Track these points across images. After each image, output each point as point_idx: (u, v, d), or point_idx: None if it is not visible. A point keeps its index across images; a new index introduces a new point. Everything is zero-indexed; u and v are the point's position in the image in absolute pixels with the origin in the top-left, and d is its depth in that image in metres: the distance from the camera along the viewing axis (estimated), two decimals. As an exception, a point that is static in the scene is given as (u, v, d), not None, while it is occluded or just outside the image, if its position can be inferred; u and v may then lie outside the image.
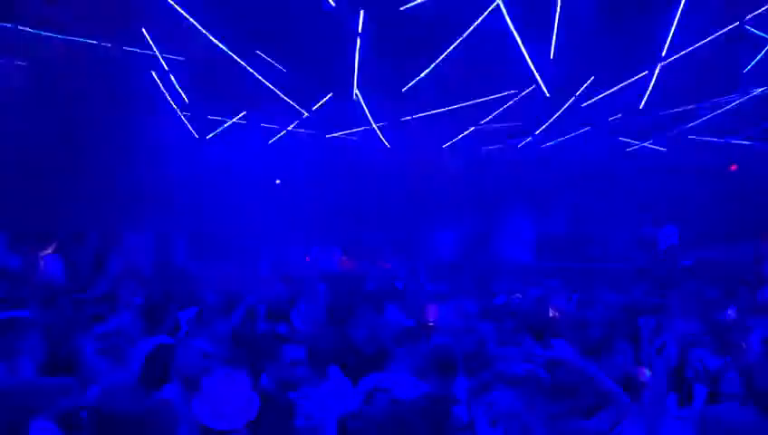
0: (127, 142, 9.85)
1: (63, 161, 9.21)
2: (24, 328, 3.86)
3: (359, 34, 9.01)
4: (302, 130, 12.24)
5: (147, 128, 10.08)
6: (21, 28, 8.12)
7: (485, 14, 9.02)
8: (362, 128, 12.13)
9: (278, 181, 12.98)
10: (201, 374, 3.39)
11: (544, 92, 10.05)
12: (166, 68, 9.39)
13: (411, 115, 11.47)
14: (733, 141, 11.78)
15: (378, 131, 11.95)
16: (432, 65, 9.63)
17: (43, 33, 8.32)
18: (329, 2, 8.26)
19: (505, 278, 9.48)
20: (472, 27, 9.06)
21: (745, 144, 11.93)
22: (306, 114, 11.29)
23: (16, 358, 3.67)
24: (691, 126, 11.39)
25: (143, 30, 8.67)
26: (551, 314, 6.42)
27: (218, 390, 2.96)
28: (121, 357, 3.93)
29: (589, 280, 8.85)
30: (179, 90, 9.95)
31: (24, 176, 8.90)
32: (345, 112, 11.41)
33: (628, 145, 12.35)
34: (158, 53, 9.02)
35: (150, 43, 8.82)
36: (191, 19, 8.17)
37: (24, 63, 9.05)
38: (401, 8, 8.50)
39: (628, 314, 5.82)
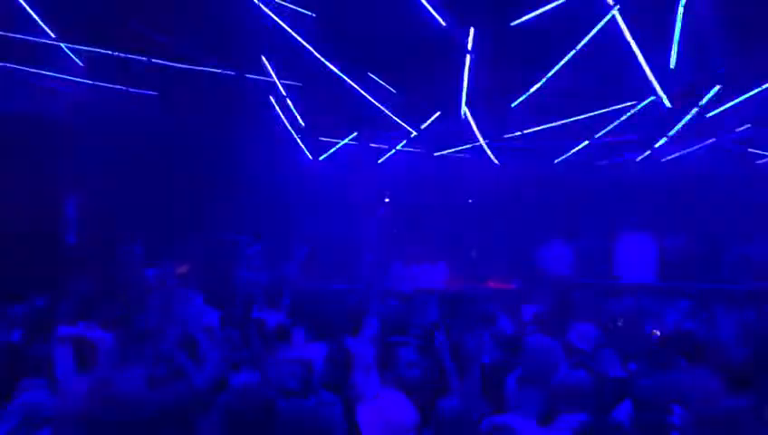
0: (247, 164, 10.41)
1: (190, 181, 9.86)
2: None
3: (468, 52, 9.01)
4: (411, 149, 12.37)
5: (266, 150, 10.61)
6: (155, 61, 8.79)
7: (600, 25, 8.75)
8: (471, 145, 12.08)
9: (387, 200, 13.17)
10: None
11: (665, 103, 9.57)
12: (283, 93, 9.84)
13: (522, 130, 11.29)
14: None
15: (486, 148, 11.85)
16: (544, 78, 9.44)
17: (173, 64, 8.97)
18: (439, 21, 8.34)
19: (625, 299, 9.04)
20: (586, 39, 8.81)
21: None
22: (415, 133, 11.40)
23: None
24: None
25: (263, 58, 9.14)
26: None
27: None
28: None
29: (716, 301, 8.25)
30: (296, 113, 10.39)
31: (155, 194, 9.62)
32: (453, 130, 11.42)
33: (759, 157, 11.50)
34: (276, 80, 9.47)
35: (270, 70, 9.27)
36: (308, 45, 8.52)
37: (155, 93, 9.80)
38: (512, 23, 8.43)
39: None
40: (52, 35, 8.06)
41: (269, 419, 2.84)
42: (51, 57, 8.55)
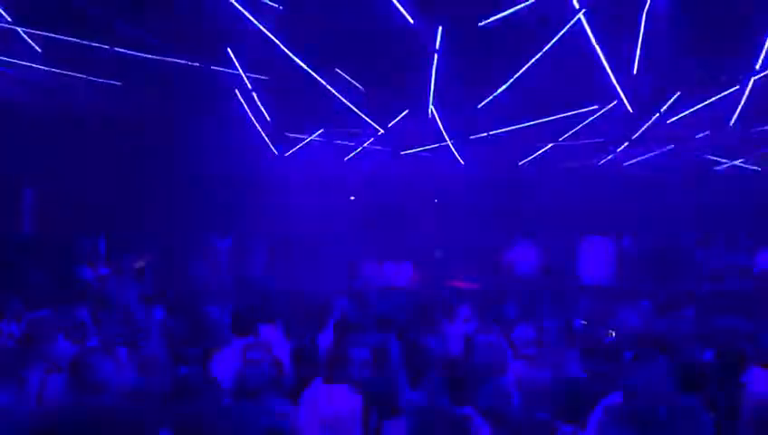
0: (211, 158, 10.25)
1: (153, 172, 9.67)
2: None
3: (436, 51, 9.01)
4: (378, 147, 12.34)
5: (230, 144, 10.46)
6: (117, 49, 8.55)
7: (566, 28, 8.84)
8: (437, 144, 12.11)
9: (352, 198, 13.14)
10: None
11: (627, 108, 9.74)
12: (249, 87, 9.70)
13: (488, 131, 11.36)
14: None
15: (452, 148, 11.88)
16: (510, 81, 9.50)
17: (136, 54, 8.74)
18: (407, 19, 8.31)
19: (585, 300, 9.16)
20: (551, 43, 8.89)
21: None
22: (382, 131, 11.37)
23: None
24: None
25: (228, 50, 8.98)
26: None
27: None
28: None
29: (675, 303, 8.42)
30: (261, 108, 10.25)
31: (116, 186, 9.41)
32: (420, 129, 11.43)
33: (717, 164, 11.79)
34: (242, 73, 9.32)
35: (235, 62, 9.12)
36: (275, 39, 8.40)
37: (119, 83, 9.55)
38: (480, 24, 8.44)
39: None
40: (9, 19, 7.78)
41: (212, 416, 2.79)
42: (7, 42, 8.27)
